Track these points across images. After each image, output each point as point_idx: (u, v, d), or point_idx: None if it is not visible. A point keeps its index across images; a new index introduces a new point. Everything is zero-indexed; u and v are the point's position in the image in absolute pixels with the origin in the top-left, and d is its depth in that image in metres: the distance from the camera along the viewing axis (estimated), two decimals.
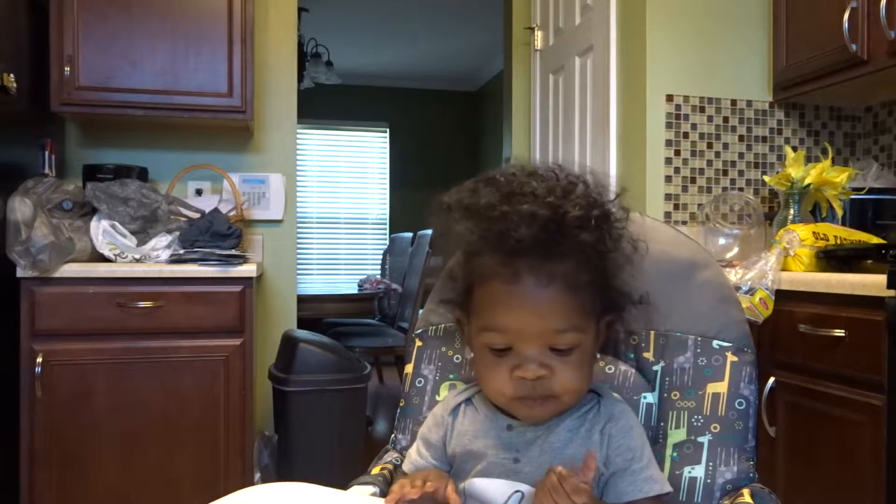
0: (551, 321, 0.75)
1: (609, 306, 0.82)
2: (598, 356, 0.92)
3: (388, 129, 6.68)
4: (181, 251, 2.23)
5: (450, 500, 0.79)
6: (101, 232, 2.20)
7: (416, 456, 0.90)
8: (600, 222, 0.76)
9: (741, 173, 2.51)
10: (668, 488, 0.82)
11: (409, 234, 5.23)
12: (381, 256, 6.18)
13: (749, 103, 2.51)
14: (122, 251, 2.20)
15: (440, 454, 0.88)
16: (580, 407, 0.82)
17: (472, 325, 0.82)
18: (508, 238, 0.74)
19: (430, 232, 3.90)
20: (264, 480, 2.36)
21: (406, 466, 0.91)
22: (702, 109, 2.47)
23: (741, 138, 2.51)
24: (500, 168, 0.82)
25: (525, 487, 0.79)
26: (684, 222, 2.46)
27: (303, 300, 3.16)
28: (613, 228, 0.79)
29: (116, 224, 2.22)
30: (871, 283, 1.58)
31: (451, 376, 1.02)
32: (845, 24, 2.07)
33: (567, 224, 0.74)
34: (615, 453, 0.80)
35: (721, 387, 0.92)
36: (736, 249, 2.34)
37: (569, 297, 0.75)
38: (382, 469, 0.97)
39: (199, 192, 2.77)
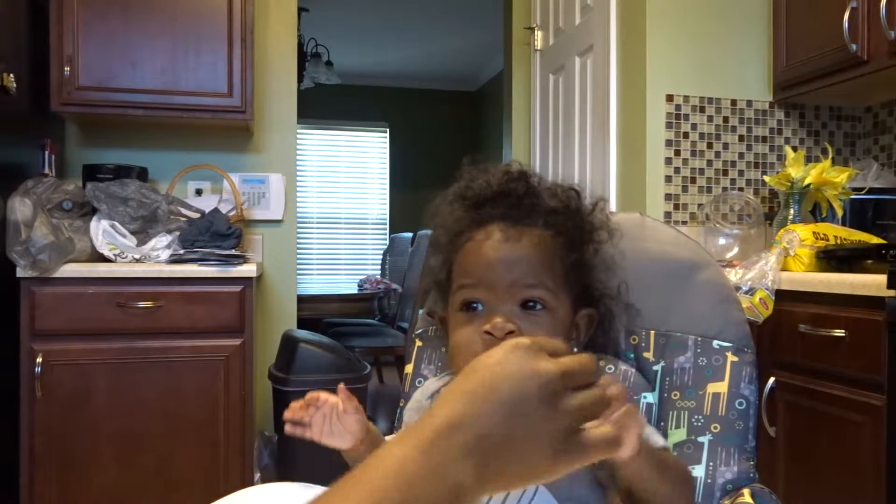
0: (520, 272, 0.77)
1: (587, 298, 0.83)
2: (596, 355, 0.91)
3: (388, 129, 6.68)
4: (181, 251, 2.23)
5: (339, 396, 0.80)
6: (101, 232, 2.20)
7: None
8: (569, 195, 0.82)
9: (741, 173, 2.51)
10: (667, 443, 0.84)
11: (409, 234, 5.23)
12: (381, 256, 6.18)
13: (749, 103, 2.51)
14: (122, 251, 2.20)
15: None
16: None
17: (449, 304, 0.83)
18: (478, 188, 0.81)
19: (430, 232, 3.89)
20: (264, 480, 2.36)
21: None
22: (702, 109, 2.47)
23: (741, 138, 2.51)
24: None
25: None
26: (684, 222, 2.46)
27: (303, 300, 3.16)
28: (584, 212, 0.84)
29: (116, 224, 2.22)
30: (871, 283, 1.58)
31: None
32: (845, 24, 2.07)
33: (534, 187, 0.81)
34: None
35: (721, 387, 0.92)
36: (736, 249, 2.34)
37: (539, 255, 0.78)
38: None
39: (199, 192, 2.77)
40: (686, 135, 2.46)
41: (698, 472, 0.89)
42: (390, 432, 1.07)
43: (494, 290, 0.77)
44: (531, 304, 0.77)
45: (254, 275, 2.22)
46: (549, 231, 0.79)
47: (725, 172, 2.50)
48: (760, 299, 1.83)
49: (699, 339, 0.94)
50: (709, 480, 0.89)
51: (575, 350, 0.82)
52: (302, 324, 2.97)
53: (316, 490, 0.83)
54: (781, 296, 1.84)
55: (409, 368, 1.06)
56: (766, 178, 2.32)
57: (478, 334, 0.77)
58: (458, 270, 0.81)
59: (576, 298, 0.81)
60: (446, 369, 1.02)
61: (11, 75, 2.04)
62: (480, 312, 0.77)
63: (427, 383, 0.92)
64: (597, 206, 0.85)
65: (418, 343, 1.07)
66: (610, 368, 0.94)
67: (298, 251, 3.01)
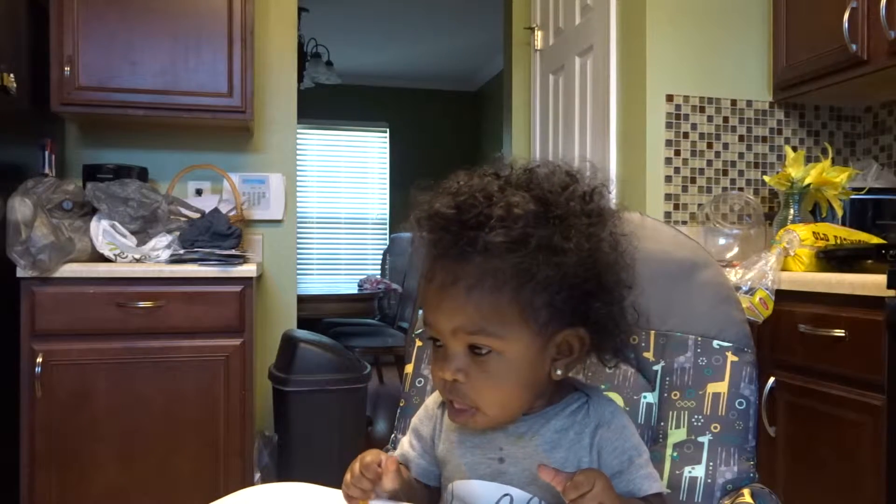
0: (455, 320, 0.73)
1: (571, 319, 0.74)
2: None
3: (388, 129, 6.68)
4: (181, 251, 2.23)
5: (387, 468, 0.78)
6: (101, 232, 2.20)
7: (407, 447, 0.89)
8: (521, 224, 0.70)
9: (741, 173, 2.51)
10: (665, 489, 0.81)
11: (409, 234, 5.22)
12: (381, 256, 6.18)
13: (749, 103, 2.51)
14: (122, 251, 2.20)
15: (429, 447, 0.87)
16: (568, 406, 0.79)
17: None
18: (424, 220, 0.75)
19: None
20: (264, 480, 2.36)
21: (396, 454, 0.90)
22: (702, 109, 2.47)
23: (741, 138, 2.51)
24: (482, 167, 0.80)
25: (515, 491, 0.77)
26: (684, 222, 2.46)
27: (303, 300, 3.16)
28: (555, 231, 0.71)
29: (116, 224, 2.22)
30: (871, 283, 1.59)
31: None
32: (845, 24, 2.07)
33: (467, 224, 0.71)
34: (611, 456, 0.77)
35: (721, 387, 0.92)
36: (736, 249, 2.34)
37: (473, 299, 0.71)
38: None
39: (199, 192, 2.77)
40: (686, 135, 2.46)
41: (698, 471, 0.89)
42: (391, 432, 1.07)
43: (442, 336, 0.75)
44: (478, 348, 0.73)
45: (254, 275, 2.22)
46: (495, 261, 0.70)
47: (725, 172, 2.50)
48: (760, 299, 1.83)
49: (699, 339, 0.94)
50: (709, 480, 0.89)
51: (559, 373, 0.76)
52: (302, 324, 2.97)
53: (316, 490, 0.83)
54: (781, 296, 1.84)
55: (409, 368, 1.06)
56: (766, 178, 2.33)
57: (440, 377, 0.76)
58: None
59: (551, 319, 0.73)
60: None
61: (11, 75, 2.04)
62: (442, 349, 0.76)
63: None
64: (594, 194, 0.76)
65: (418, 343, 1.07)
66: (610, 368, 0.94)
67: (298, 251, 3.01)
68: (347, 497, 0.79)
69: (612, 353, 0.81)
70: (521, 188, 0.74)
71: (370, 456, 0.78)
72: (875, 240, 1.96)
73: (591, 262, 0.72)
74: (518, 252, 0.70)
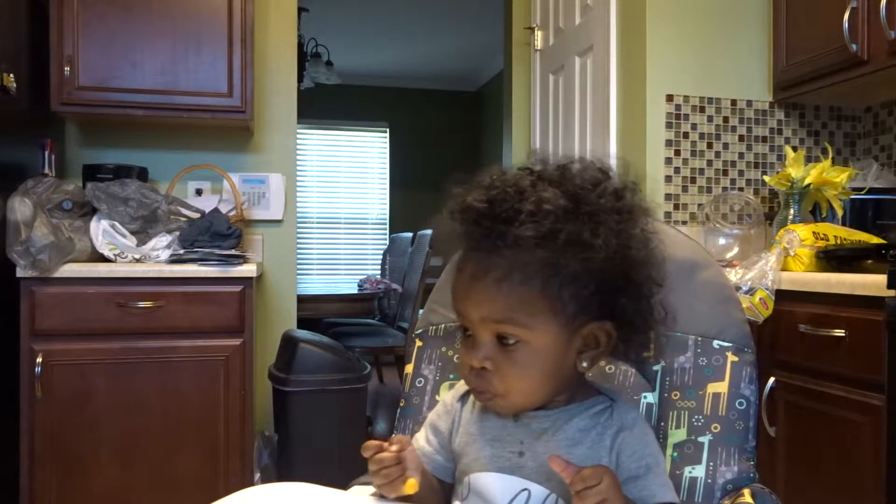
0: (484, 310, 0.75)
1: (599, 313, 0.76)
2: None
3: (388, 129, 6.68)
4: (181, 251, 2.23)
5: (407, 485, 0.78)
6: (101, 232, 2.20)
7: (423, 442, 0.89)
8: (551, 219, 0.72)
9: (741, 173, 2.51)
10: (678, 499, 0.81)
11: (409, 234, 5.23)
12: (381, 256, 6.18)
13: (749, 103, 2.51)
14: (122, 251, 2.20)
15: (446, 443, 0.87)
16: (592, 406, 0.80)
17: None
18: (458, 211, 0.77)
19: (430, 232, 3.90)
20: (264, 480, 2.36)
21: None
22: (702, 109, 2.47)
23: (741, 138, 2.51)
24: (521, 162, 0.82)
25: (534, 486, 0.78)
26: (684, 222, 2.46)
27: (303, 300, 3.16)
28: (584, 226, 0.73)
29: (116, 224, 2.22)
30: (871, 283, 1.59)
31: (452, 376, 1.02)
32: (845, 24, 2.07)
33: (498, 218, 0.74)
34: (630, 459, 0.77)
35: (721, 387, 0.92)
36: (736, 249, 2.34)
37: (503, 290, 0.74)
38: None
39: (199, 192, 2.77)
40: (686, 135, 2.46)
41: (698, 471, 0.89)
42: (391, 432, 1.07)
43: (472, 324, 0.77)
44: (505, 337, 0.75)
45: (254, 275, 2.22)
46: (524, 254, 0.73)
47: (725, 172, 2.50)
48: (760, 299, 1.83)
49: (699, 339, 0.94)
50: (709, 480, 0.89)
51: (584, 365, 0.78)
52: (302, 324, 2.97)
53: (316, 490, 0.83)
54: (781, 296, 1.84)
55: (409, 368, 1.06)
56: (766, 178, 2.32)
57: (467, 364, 0.78)
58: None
59: (578, 312, 0.75)
60: (447, 370, 1.03)
61: (11, 75, 2.04)
62: (471, 338, 0.78)
63: (459, 384, 0.90)
64: (625, 191, 0.77)
65: (418, 343, 1.07)
66: (610, 368, 0.94)
67: (298, 251, 3.01)
68: (385, 488, 0.78)
69: (638, 349, 0.83)
70: (554, 184, 0.76)
71: (370, 441, 0.79)
72: (875, 240, 1.96)
73: (619, 259, 0.74)
74: (547, 246, 0.72)
